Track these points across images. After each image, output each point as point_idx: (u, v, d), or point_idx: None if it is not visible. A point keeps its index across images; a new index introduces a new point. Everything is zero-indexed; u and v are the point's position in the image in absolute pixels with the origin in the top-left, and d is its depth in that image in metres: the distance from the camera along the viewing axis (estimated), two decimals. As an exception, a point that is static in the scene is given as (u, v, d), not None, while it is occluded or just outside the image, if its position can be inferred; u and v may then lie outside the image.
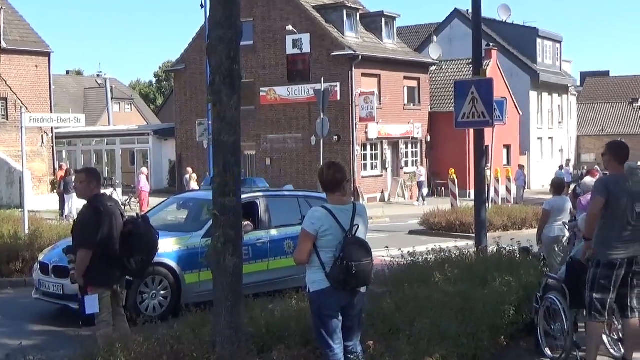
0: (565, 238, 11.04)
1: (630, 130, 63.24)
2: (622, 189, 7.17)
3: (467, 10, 45.75)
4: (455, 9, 50.87)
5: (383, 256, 11.48)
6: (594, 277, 7.19)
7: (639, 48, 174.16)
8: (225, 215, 6.26)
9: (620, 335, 7.68)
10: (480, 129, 11.91)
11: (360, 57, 35.46)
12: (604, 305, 7.14)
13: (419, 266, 10.05)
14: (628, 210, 7.12)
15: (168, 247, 10.21)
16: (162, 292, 10.29)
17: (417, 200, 35.60)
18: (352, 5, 38.59)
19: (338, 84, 35.07)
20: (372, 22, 39.61)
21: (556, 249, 11.06)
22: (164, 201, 13.49)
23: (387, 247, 11.21)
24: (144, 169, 29.33)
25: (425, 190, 36.28)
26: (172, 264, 10.33)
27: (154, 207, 13.08)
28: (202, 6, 24.06)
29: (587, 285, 7.26)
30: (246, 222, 10.84)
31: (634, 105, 72.94)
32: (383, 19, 39.48)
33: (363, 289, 6.05)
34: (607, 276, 7.12)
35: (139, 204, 26.58)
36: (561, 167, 42.55)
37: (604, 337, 7.71)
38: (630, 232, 7.14)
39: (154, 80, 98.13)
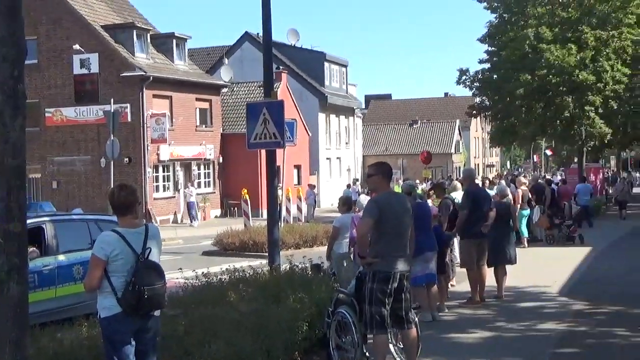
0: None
1: (410, 150, 66.83)
2: (393, 206, 7.65)
3: (258, 33, 46.48)
4: (246, 32, 51.49)
5: (177, 278, 11.37)
6: (370, 291, 7.53)
7: (418, 73, 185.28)
8: (10, 242, 5.94)
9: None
10: (271, 149, 12.12)
11: (151, 78, 34.95)
12: (383, 318, 7.46)
13: (213, 287, 10.04)
14: (399, 226, 7.59)
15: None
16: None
17: (192, 221, 35.45)
18: (143, 26, 38.01)
19: (128, 105, 34.35)
20: (163, 43, 39.21)
21: (345, 265, 11.48)
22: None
23: (180, 269, 11.11)
24: None
25: (194, 212, 36.05)
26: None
27: None
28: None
29: (365, 299, 7.58)
30: (32, 249, 10.36)
31: (414, 126, 77.33)
32: (174, 40, 39.19)
33: (157, 313, 5.98)
34: (382, 290, 7.47)
35: None
36: (349, 186, 44.14)
37: (391, 346, 8.06)
38: (401, 247, 7.62)
39: None
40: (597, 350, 9.03)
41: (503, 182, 22.56)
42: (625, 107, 40.99)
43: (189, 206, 36.08)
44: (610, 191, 41.38)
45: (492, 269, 12.74)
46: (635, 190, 61.09)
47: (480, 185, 17.89)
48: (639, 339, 9.54)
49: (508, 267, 12.93)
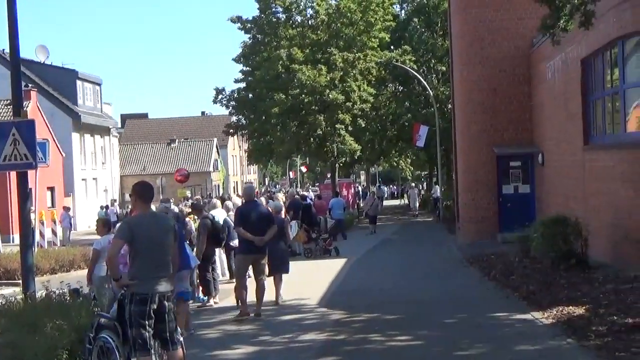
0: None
1: (169, 169, 66.21)
2: (147, 226, 7.62)
3: (4, 50, 44.07)
4: (-9, 47, 48.58)
5: None
6: (130, 313, 7.44)
7: (174, 92, 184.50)
8: None
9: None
10: (23, 171, 11.55)
11: None
12: (145, 340, 7.37)
13: (-40, 320, 9.36)
14: (155, 246, 7.57)
15: None
16: None
17: None
18: None
19: None
20: None
21: (107, 287, 11.16)
22: None
23: None
24: None
25: None
26: None
27: None
28: None
29: (128, 322, 7.47)
30: None
31: (172, 145, 76.86)
32: None
33: None
34: (141, 312, 7.39)
35: None
36: (102, 207, 42.86)
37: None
38: (160, 268, 7.59)
39: None
40: (356, 356, 9.49)
41: (263, 198, 23.08)
42: (372, 125, 43.65)
43: None
44: (362, 205, 43.67)
45: (272, 278, 13.55)
46: (386, 203, 65.06)
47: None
48: (394, 343, 10.13)
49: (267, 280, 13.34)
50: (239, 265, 12.89)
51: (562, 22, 12.27)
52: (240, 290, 12.51)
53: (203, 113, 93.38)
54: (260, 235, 12.39)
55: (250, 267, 12.79)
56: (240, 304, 12.59)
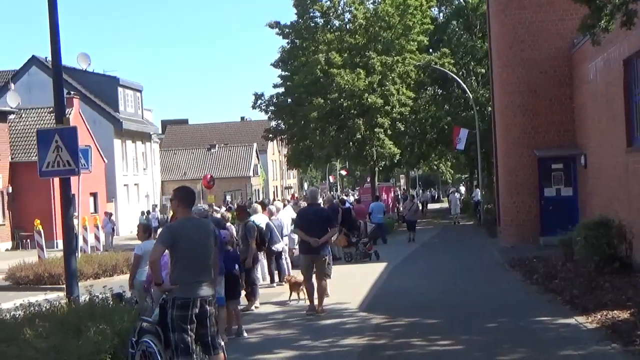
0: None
1: (208, 174, 66.56)
2: (189, 231, 7.66)
3: (46, 57, 44.72)
4: (33, 55, 49.40)
5: (-35, 318, 10.63)
6: (171, 318, 7.50)
7: (214, 98, 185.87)
8: None
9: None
10: (66, 177, 11.71)
11: None
12: (187, 344, 7.42)
13: (6, 324, 9.51)
14: (196, 251, 7.59)
15: None
16: None
17: None
18: None
19: None
20: (-59, 67, 36.72)
21: (149, 292, 11.25)
22: None
23: (-32, 308, 10.43)
24: None
25: None
26: None
27: None
28: None
29: (170, 326, 7.53)
30: None
31: (212, 150, 77.41)
32: (-47, 64, 36.81)
33: None
34: (183, 317, 7.44)
35: None
36: (143, 213, 43.20)
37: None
38: (202, 273, 7.62)
39: None
40: (396, 360, 9.46)
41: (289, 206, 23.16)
42: (411, 129, 43.50)
43: None
44: (402, 209, 43.36)
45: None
46: (431, 206, 64.67)
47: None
48: (434, 347, 10.07)
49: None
50: (302, 264, 13.69)
51: (603, 22, 12.08)
52: (306, 287, 13.42)
53: (242, 118, 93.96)
54: (318, 237, 12.98)
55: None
56: (308, 299, 13.39)
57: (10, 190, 38.85)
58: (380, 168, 46.82)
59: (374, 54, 40.17)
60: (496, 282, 16.77)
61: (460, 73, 43.75)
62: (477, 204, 40.45)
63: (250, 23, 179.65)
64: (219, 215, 16.99)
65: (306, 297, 13.76)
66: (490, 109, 31.39)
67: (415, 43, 41.61)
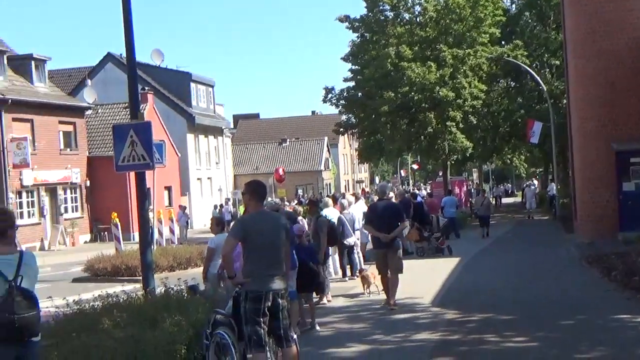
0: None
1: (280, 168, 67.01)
2: (260, 224, 7.66)
3: (121, 54, 45.66)
4: (109, 52, 50.58)
5: (47, 307, 10.94)
6: (244, 310, 7.53)
7: (285, 92, 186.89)
8: None
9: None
10: (141, 171, 11.91)
11: (9, 101, 33.64)
12: (260, 337, 7.44)
13: (86, 314, 9.74)
14: (268, 244, 7.60)
15: None
16: None
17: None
18: (-2, 47, 36.56)
19: (-14, 130, 32.88)
20: (21, 64, 37.73)
21: (222, 285, 11.38)
22: None
23: (50, 297, 10.70)
24: None
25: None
26: None
27: None
28: None
29: (243, 319, 7.57)
30: None
31: (283, 145, 77.89)
32: (33, 62, 37.79)
33: (37, 338, 5.75)
34: (255, 309, 7.46)
35: None
36: (216, 207, 43.77)
37: (270, 365, 8.07)
38: (273, 266, 7.62)
39: None
40: (470, 356, 9.33)
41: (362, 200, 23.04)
42: (483, 122, 42.91)
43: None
44: (473, 204, 42.78)
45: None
46: (505, 200, 63.70)
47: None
48: (509, 344, 9.92)
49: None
50: (375, 259, 13.79)
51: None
52: (382, 281, 13.49)
53: (313, 112, 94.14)
54: (388, 231, 12.97)
55: None
56: (385, 293, 13.43)
57: (88, 184, 39.86)
58: (453, 162, 46.33)
59: (445, 46, 39.75)
60: (573, 278, 16.43)
61: (534, 65, 42.96)
62: (552, 198, 39.70)
63: (320, 17, 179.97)
64: (289, 209, 17.07)
65: (379, 290, 13.86)
66: (565, 101, 30.73)
67: (487, 35, 40.98)
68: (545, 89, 36.82)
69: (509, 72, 44.01)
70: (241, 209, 40.27)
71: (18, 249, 5.92)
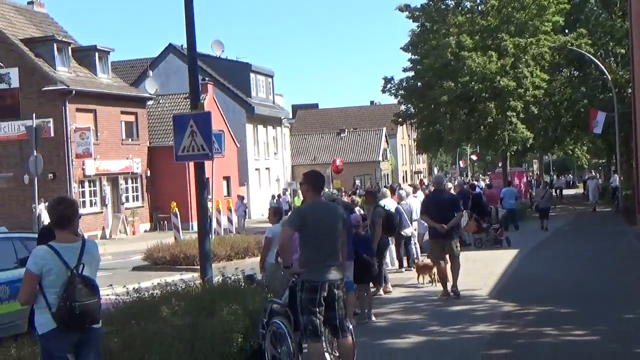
0: None
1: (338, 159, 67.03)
2: (318, 214, 7.65)
3: (182, 45, 46.20)
4: (170, 44, 51.17)
5: (108, 295, 11.16)
6: (300, 300, 7.54)
7: (343, 83, 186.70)
8: None
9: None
10: (200, 161, 12.04)
11: (73, 92, 34.36)
12: (315, 327, 7.45)
13: (145, 302, 9.90)
14: (325, 235, 7.59)
15: None
16: None
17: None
18: (63, 39, 37.30)
19: (51, 119, 33.54)
20: (85, 56, 38.55)
21: (282, 273, 11.43)
22: None
23: (111, 285, 10.91)
24: None
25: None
26: None
27: None
28: None
29: (299, 309, 7.60)
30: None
31: (341, 135, 77.80)
32: (96, 53, 38.56)
33: (97, 325, 5.88)
34: (311, 299, 7.46)
35: None
36: (273, 197, 43.91)
37: (327, 355, 8.04)
38: (330, 256, 7.60)
39: None
40: (527, 349, 9.23)
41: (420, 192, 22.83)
42: (545, 112, 42.17)
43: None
44: (534, 195, 42.10)
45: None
46: (566, 192, 62.51)
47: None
48: (568, 337, 9.77)
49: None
50: (430, 250, 13.91)
51: None
52: (438, 272, 13.50)
53: (372, 102, 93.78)
54: (444, 222, 13.06)
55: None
56: (441, 285, 13.42)
57: (148, 174, 40.50)
58: (512, 153, 45.65)
59: (507, 35, 39.11)
60: (635, 271, 16.08)
61: (598, 54, 41.97)
62: (615, 190, 38.88)
63: (380, 7, 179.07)
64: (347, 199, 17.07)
65: (435, 281, 13.97)
66: (630, 90, 30.01)
67: (550, 24, 40.17)
68: (609, 78, 36.00)
69: (572, 60, 43.13)
70: (297, 201, 40.43)
71: (81, 237, 6.06)
